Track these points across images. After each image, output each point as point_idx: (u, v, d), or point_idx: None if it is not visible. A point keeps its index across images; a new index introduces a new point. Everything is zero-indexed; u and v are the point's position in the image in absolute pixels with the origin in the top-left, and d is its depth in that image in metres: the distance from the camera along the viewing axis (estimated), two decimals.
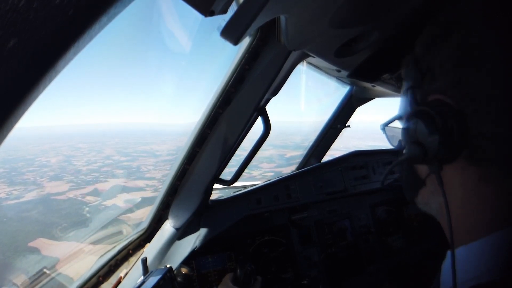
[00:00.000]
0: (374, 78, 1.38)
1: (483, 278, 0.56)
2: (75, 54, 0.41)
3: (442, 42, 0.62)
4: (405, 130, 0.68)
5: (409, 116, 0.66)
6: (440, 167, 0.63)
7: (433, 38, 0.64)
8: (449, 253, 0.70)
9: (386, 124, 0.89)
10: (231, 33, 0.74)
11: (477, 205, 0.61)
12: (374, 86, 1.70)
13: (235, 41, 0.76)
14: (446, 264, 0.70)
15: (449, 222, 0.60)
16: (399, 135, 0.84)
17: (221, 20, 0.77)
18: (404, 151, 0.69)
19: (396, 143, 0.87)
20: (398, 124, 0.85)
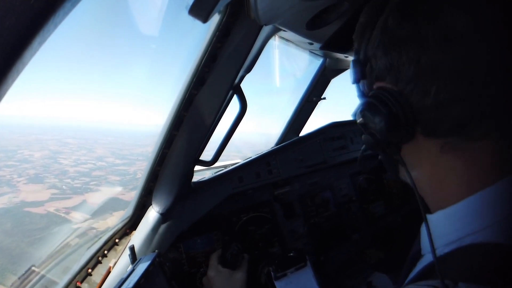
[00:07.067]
0: (347, 48, 1.39)
1: (465, 241, 0.59)
2: (40, 43, 0.40)
3: (370, 30, 0.65)
4: (361, 125, 0.70)
5: (359, 110, 0.69)
6: (398, 149, 0.67)
7: (363, 28, 0.68)
8: (427, 217, 0.73)
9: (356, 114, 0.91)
10: (200, 10, 0.73)
11: (444, 174, 0.64)
12: (347, 57, 1.72)
13: (204, 18, 0.75)
14: (424, 229, 0.74)
15: (418, 196, 0.65)
16: None
17: None
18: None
19: None
20: None
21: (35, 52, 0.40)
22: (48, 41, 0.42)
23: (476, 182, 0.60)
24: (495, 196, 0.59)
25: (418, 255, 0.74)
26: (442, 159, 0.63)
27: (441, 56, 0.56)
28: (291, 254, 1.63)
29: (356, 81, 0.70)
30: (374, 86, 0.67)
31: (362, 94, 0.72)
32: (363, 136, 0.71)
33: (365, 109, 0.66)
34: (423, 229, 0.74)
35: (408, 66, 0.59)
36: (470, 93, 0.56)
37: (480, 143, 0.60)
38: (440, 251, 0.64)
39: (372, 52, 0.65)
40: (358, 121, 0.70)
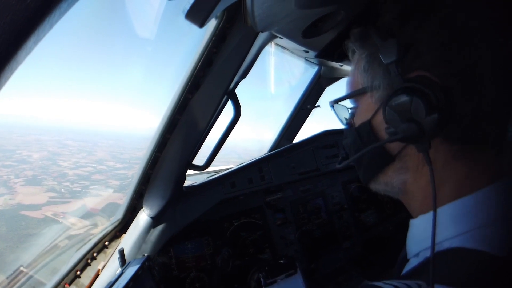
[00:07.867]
0: (342, 57, 1.40)
1: (443, 245, 0.60)
2: (36, 43, 0.40)
3: (426, 17, 0.60)
4: (394, 108, 0.64)
5: (395, 92, 0.63)
6: (429, 145, 0.61)
7: (412, 11, 0.62)
8: (410, 222, 0.74)
9: (336, 102, 0.84)
10: (196, 15, 0.73)
11: (444, 180, 0.63)
12: (342, 66, 1.73)
13: (201, 23, 0.75)
14: (409, 233, 0.74)
15: (434, 195, 0.59)
16: (347, 114, 0.85)
17: (186, 2, 0.76)
18: (391, 130, 0.65)
19: (345, 121, 0.85)
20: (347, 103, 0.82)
21: (30, 52, 0.39)
22: (43, 40, 0.42)
23: (464, 190, 0.61)
24: (474, 204, 0.59)
25: (405, 260, 0.74)
26: (450, 166, 0.62)
27: (497, 66, 0.56)
28: (282, 261, 1.63)
29: (397, 60, 0.62)
30: (413, 74, 0.62)
31: (392, 77, 0.64)
32: (401, 125, 0.62)
33: (411, 93, 0.59)
34: (409, 234, 0.74)
35: (467, 67, 0.57)
36: (503, 107, 0.57)
37: (487, 152, 0.61)
38: (422, 256, 0.65)
39: (424, 38, 0.60)
40: (393, 103, 0.63)
